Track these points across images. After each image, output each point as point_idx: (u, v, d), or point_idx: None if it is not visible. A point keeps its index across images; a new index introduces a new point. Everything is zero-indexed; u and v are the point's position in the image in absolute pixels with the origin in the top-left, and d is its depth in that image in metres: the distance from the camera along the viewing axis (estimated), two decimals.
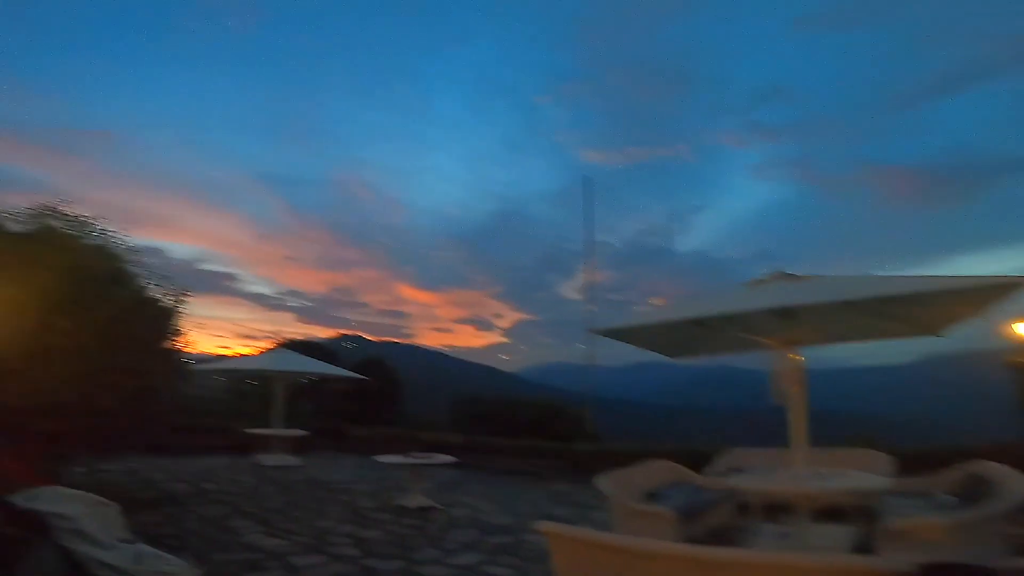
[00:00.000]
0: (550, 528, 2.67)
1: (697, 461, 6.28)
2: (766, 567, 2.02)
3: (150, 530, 5.15)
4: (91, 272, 5.55)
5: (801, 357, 4.07)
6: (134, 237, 6.35)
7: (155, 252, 7.33)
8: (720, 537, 4.84)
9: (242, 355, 15.98)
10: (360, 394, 15.21)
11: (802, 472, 3.92)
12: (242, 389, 15.51)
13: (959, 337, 4.31)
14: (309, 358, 12.37)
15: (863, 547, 4.06)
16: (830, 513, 4.79)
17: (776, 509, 4.70)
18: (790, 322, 3.98)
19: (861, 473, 4.23)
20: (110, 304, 5.62)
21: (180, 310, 6.95)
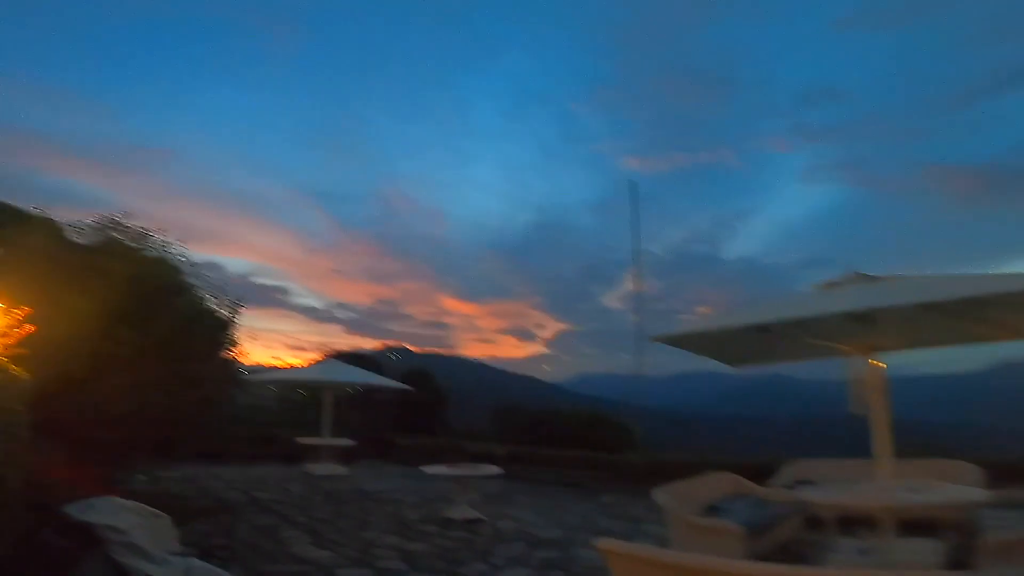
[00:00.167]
0: (608, 545, 2.52)
1: (751, 472, 5.92)
2: None
3: (204, 540, 5.23)
4: (151, 283, 5.74)
5: (882, 364, 3.74)
6: (193, 252, 6.57)
7: (213, 267, 7.59)
8: (791, 553, 4.49)
9: (292, 366, 16.44)
10: (405, 404, 15.31)
11: (889, 484, 3.58)
12: (293, 399, 15.91)
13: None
14: (356, 368, 12.57)
15: (958, 563, 3.69)
16: (913, 527, 4.38)
17: (851, 523, 4.34)
18: (870, 326, 3.66)
19: (954, 485, 3.84)
20: (169, 315, 5.80)
21: (235, 321, 7.17)
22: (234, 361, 7.47)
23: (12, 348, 3.23)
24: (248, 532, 5.74)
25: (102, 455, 5.34)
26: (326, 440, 10.90)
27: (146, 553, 2.92)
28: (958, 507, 3.81)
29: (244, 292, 7.32)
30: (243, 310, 7.14)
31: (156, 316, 5.63)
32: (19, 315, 3.36)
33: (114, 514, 3.01)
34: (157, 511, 3.40)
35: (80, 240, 5.57)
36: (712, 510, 4.77)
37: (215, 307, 6.90)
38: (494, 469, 7.22)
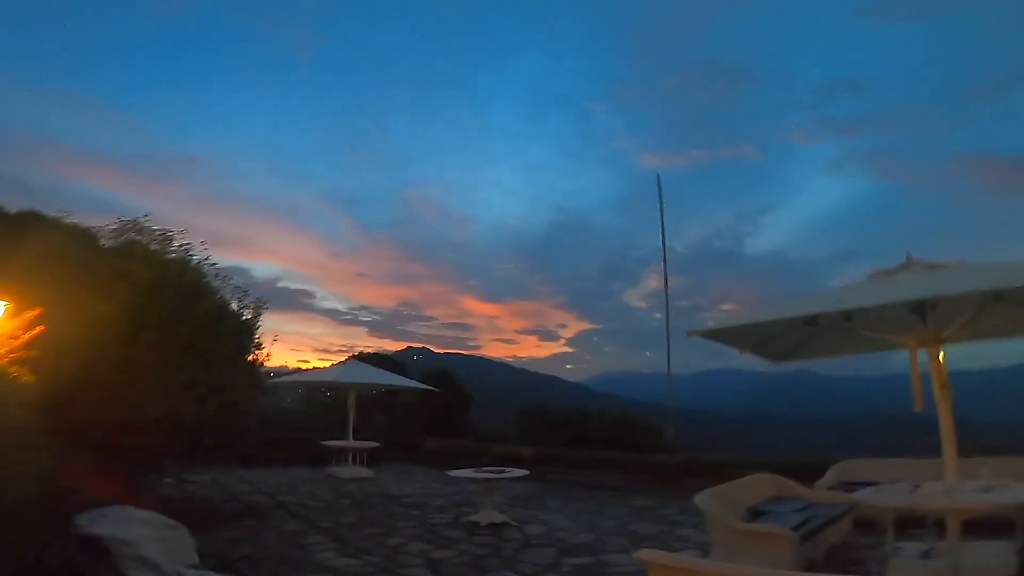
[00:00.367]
0: (649, 556, 2.36)
1: (788, 472, 5.60)
2: None
3: (228, 547, 5.16)
4: (174, 286, 5.70)
5: (943, 356, 3.43)
6: (221, 258, 6.56)
7: (241, 272, 7.59)
8: (845, 559, 4.20)
9: (316, 368, 16.51)
10: (430, 406, 15.23)
11: (958, 485, 3.28)
12: (320, 401, 15.99)
13: None
14: (379, 369, 12.51)
15: None
16: (980, 528, 4.06)
17: (905, 525, 4.04)
18: (932, 316, 3.36)
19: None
20: (193, 319, 5.75)
21: (259, 324, 7.13)
22: (259, 364, 7.43)
23: (22, 351, 3.16)
24: (273, 538, 5.66)
25: (129, 461, 5.31)
26: (351, 443, 10.85)
27: (157, 567, 2.80)
28: None
29: (271, 297, 7.28)
30: (269, 313, 7.10)
31: (180, 320, 5.57)
32: (30, 317, 3.29)
33: (125, 525, 2.90)
34: (174, 522, 3.28)
35: (102, 243, 5.56)
36: (755, 513, 4.50)
37: (239, 310, 6.87)
38: (521, 471, 7.03)
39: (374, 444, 11.02)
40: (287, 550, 5.23)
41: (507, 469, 7.14)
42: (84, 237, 5.57)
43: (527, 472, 7.19)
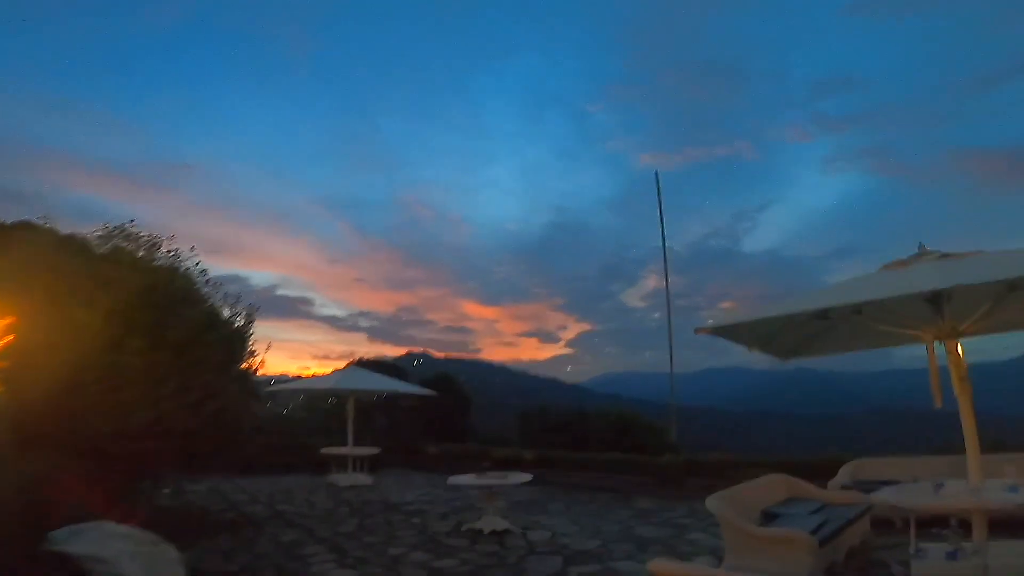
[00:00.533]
0: (662, 567, 2.25)
1: (797, 471, 5.46)
2: None
3: (224, 559, 4.99)
4: (162, 292, 5.55)
5: (962, 350, 3.28)
6: (218, 266, 6.41)
7: (238, 280, 7.43)
8: (866, 561, 4.04)
9: (316, 375, 16.34)
10: (430, 410, 15.05)
11: (982, 483, 3.12)
12: (319, 407, 15.81)
13: None
14: (378, 375, 12.35)
15: None
16: (1008, 527, 3.91)
17: (925, 525, 3.88)
18: (950, 308, 3.21)
19: None
20: (182, 324, 5.60)
21: (252, 332, 6.96)
22: (252, 372, 7.27)
23: None
24: (270, 548, 5.49)
25: (119, 469, 5.15)
26: (350, 450, 10.67)
27: None
28: None
29: (271, 305, 7.18)
30: (268, 321, 6.97)
31: (168, 326, 5.43)
32: (3, 325, 3.12)
33: (101, 542, 2.73)
34: (157, 537, 3.10)
35: (88, 250, 5.39)
36: (768, 516, 4.34)
37: (230, 316, 6.72)
38: (524, 476, 6.87)
39: (374, 450, 10.86)
40: (284, 561, 5.06)
41: (509, 473, 6.97)
42: (69, 243, 5.41)
43: (530, 477, 7.02)
